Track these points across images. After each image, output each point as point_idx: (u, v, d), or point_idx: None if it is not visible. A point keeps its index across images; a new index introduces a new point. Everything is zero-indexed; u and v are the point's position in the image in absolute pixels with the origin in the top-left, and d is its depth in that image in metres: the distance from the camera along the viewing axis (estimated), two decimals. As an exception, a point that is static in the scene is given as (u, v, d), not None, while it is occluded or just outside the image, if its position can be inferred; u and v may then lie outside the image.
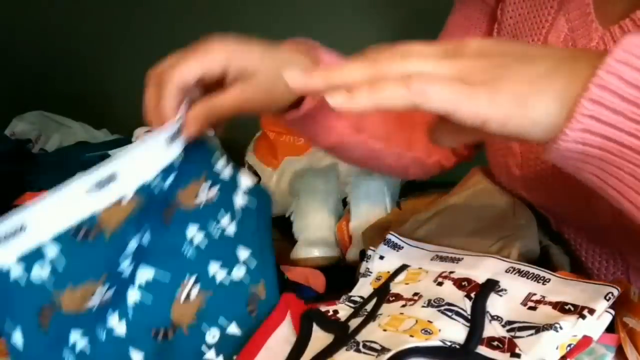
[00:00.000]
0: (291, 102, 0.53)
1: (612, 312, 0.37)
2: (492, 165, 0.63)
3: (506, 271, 0.44)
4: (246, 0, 1.35)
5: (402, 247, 0.52)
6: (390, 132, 0.65)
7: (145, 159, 0.43)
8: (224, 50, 0.46)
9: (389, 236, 0.54)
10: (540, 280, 0.42)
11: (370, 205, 0.73)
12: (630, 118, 0.30)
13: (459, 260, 0.47)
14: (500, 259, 0.45)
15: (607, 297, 0.37)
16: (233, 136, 1.19)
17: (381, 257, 0.52)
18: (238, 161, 1.06)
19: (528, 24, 0.59)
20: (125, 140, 1.13)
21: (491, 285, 0.42)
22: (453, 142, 0.38)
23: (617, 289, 0.38)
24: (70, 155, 1.11)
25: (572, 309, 0.37)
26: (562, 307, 0.38)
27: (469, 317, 0.40)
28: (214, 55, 0.46)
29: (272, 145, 0.99)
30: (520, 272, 0.43)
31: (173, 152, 0.45)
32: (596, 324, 0.36)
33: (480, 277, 0.44)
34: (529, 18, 0.59)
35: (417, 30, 1.16)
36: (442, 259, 0.48)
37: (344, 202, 0.78)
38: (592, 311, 0.36)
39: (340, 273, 0.60)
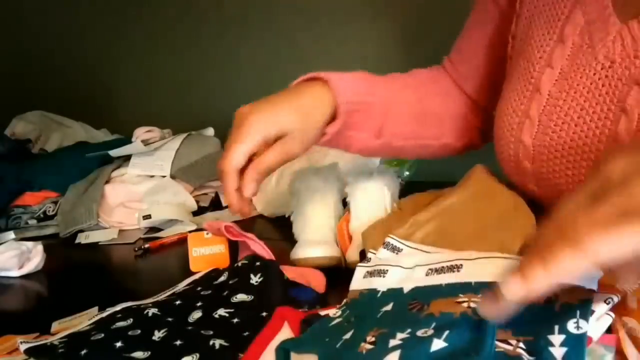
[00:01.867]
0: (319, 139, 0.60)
1: (612, 314, 0.37)
2: (501, 158, 0.62)
3: None
4: (248, 2, 1.35)
5: (402, 250, 0.53)
6: (415, 131, 0.68)
7: None
8: (259, 124, 0.54)
9: (388, 239, 0.54)
10: None
11: (370, 205, 0.73)
12: None
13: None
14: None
15: (607, 301, 0.37)
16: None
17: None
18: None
19: (544, 16, 0.58)
20: (125, 140, 1.13)
21: None
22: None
23: (617, 296, 0.38)
24: (70, 155, 1.11)
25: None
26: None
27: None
28: (252, 135, 0.54)
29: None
30: None
31: None
32: (596, 326, 0.36)
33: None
34: (544, 10, 0.58)
35: (418, 32, 1.17)
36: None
37: (344, 202, 0.78)
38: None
39: (340, 273, 0.60)
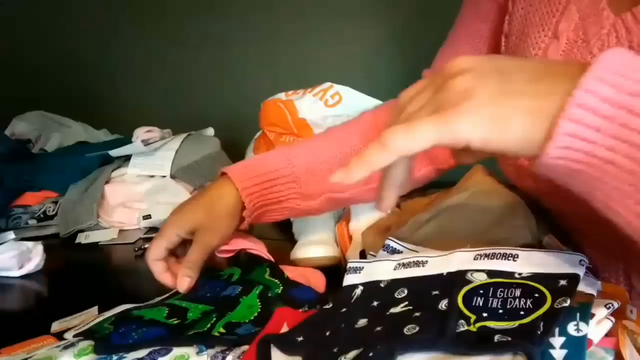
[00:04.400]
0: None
1: (612, 319, 0.37)
2: (499, 156, 0.62)
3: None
4: (249, 4, 1.35)
5: (401, 252, 0.53)
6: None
7: None
8: (172, 224, 0.63)
9: (387, 241, 0.54)
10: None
11: (370, 205, 0.73)
12: (608, 134, 0.30)
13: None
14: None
15: (607, 306, 0.37)
16: (233, 136, 1.19)
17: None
18: (238, 161, 1.07)
19: (539, 14, 0.59)
20: (125, 140, 1.13)
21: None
22: (473, 159, 0.40)
23: (617, 302, 0.38)
24: (70, 155, 1.11)
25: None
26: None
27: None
28: (168, 232, 0.63)
29: (272, 145, 0.99)
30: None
31: None
32: (596, 330, 0.37)
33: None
34: (539, 7, 0.59)
35: (418, 29, 1.17)
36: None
37: (344, 202, 0.78)
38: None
39: (340, 273, 0.60)
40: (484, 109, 0.33)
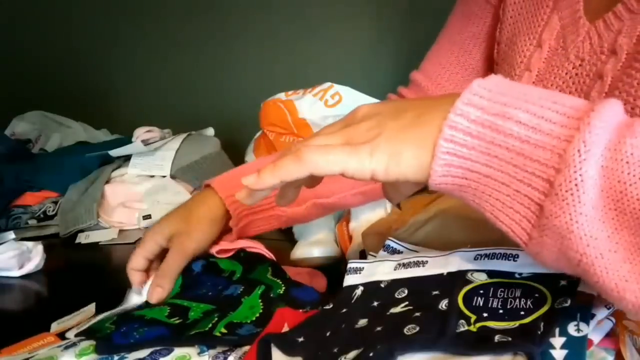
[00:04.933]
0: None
1: (613, 319, 0.37)
2: None
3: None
4: (248, 5, 1.35)
5: (401, 252, 0.53)
6: (335, 185, 0.66)
7: None
8: (152, 234, 0.63)
9: (387, 242, 0.54)
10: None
11: (370, 205, 0.73)
12: (481, 151, 0.34)
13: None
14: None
15: (608, 306, 0.37)
16: (233, 136, 1.19)
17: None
18: (238, 161, 1.07)
19: (526, 23, 0.62)
20: (125, 140, 1.13)
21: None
22: (401, 197, 0.43)
23: None
24: (70, 155, 1.11)
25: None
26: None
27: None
28: (148, 242, 0.63)
29: (271, 145, 0.99)
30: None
31: None
32: (597, 330, 0.37)
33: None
34: (527, 17, 0.62)
35: (418, 29, 1.17)
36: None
37: (344, 203, 0.78)
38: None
39: (341, 273, 0.60)
40: (384, 144, 0.37)
